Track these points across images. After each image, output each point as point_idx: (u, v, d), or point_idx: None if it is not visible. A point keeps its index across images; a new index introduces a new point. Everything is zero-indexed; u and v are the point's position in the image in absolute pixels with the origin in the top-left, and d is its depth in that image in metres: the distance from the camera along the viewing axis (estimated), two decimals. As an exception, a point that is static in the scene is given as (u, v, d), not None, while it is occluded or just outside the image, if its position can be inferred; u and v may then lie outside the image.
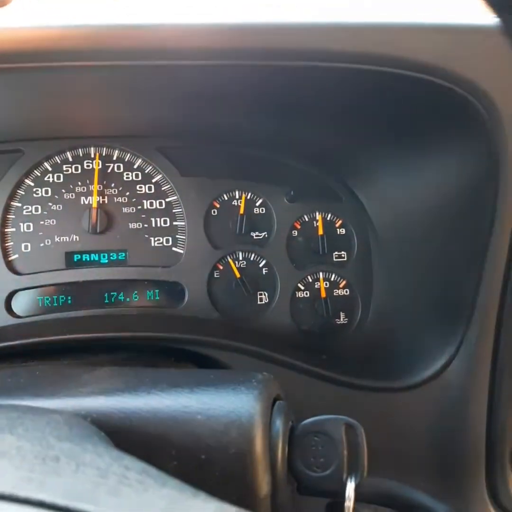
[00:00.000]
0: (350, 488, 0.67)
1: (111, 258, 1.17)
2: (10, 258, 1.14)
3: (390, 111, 0.88)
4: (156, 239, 1.18)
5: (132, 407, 0.60)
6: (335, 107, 0.91)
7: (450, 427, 0.94)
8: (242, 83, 0.85)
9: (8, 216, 1.15)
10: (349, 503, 0.67)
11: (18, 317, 1.13)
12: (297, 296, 1.20)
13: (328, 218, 1.21)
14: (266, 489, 0.61)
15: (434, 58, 0.77)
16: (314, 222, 1.21)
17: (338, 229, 1.21)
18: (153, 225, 1.18)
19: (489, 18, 0.80)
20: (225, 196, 1.19)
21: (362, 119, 0.94)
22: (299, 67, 0.76)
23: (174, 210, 1.18)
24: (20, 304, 1.14)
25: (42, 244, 1.15)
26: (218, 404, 0.61)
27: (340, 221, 1.21)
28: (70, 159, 1.17)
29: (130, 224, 1.17)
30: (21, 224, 1.15)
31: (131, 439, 0.59)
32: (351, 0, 0.82)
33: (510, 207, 0.84)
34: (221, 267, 1.19)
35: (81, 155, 1.17)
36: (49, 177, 1.16)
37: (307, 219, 1.21)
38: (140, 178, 1.18)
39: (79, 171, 1.17)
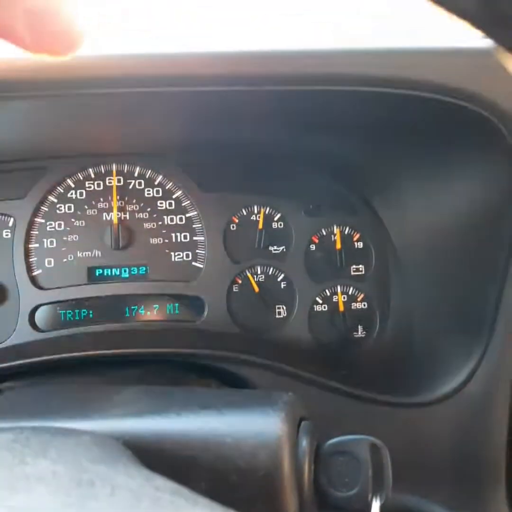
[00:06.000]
0: (376, 508, 0.68)
1: (132, 272, 1.19)
2: (34, 274, 1.17)
3: (412, 131, 0.89)
4: (176, 254, 1.20)
5: (163, 430, 0.62)
6: (358, 126, 0.92)
7: (471, 441, 0.94)
8: (265, 104, 0.86)
9: (32, 232, 1.17)
10: (375, 522, 0.68)
11: (41, 331, 1.15)
12: (315, 309, 1.21)
13: (345, 232, 1.22)
14: (293, 509, 0.62)
15: (454, 81, 0.78)
16: (332, 236, 1.22)
17: (356, 243, 1.22)
18: (174, 240, 1.20)
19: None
20: (244, 211, 1.21)
21: (385, 137, 0.95)
22: (323, 91, 0.77)
23: (194, 226, 1.20)
24: (43, 318, 1.16)
25: (65, 260, 1.17)
26: (247, 426, 0.63)
27: (357, 235, 1.22)
28: (92, 176, 1.19)
29: (151, 239, 1.19)
30: (45, 240, 1.17)
31: (162, 461, 0.60)
32: (372, 27, 0.83)
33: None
34: (240, 281, 1.20)
35: (103, 171, 1.19)
36: (72, 194, 1.18)
37: (325, 233, 1.22)
38: (160, 194, 1.20)
39: (101, 187, 1.19)
